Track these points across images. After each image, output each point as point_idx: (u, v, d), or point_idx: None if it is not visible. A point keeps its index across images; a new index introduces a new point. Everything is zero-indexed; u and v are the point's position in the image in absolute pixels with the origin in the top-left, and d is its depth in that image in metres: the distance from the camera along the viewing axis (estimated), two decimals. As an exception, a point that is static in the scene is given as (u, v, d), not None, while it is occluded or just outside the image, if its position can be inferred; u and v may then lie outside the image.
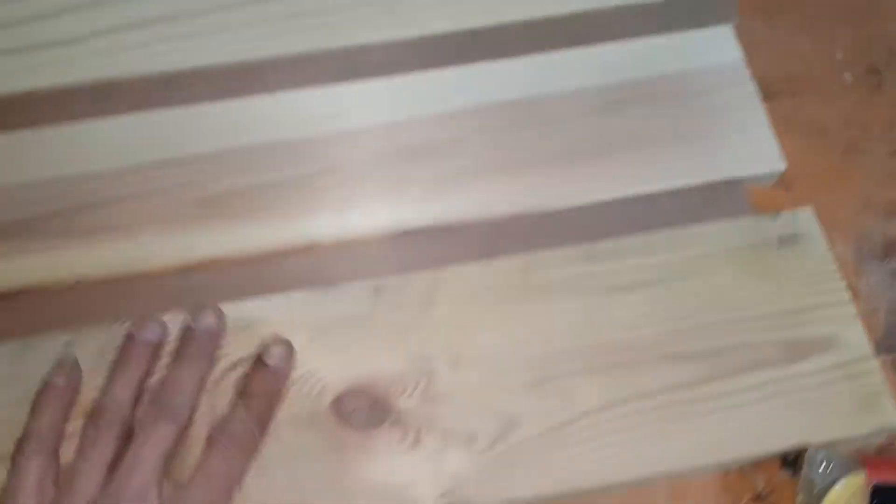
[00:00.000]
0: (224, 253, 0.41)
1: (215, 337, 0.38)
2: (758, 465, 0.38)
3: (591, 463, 0.36)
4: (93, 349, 0.38)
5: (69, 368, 0.37)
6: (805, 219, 0.42)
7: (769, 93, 0.47)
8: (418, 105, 0.45)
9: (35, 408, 0.36)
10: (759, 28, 0.49)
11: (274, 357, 0.37)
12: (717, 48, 0.47)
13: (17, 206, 0.42)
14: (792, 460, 0.37)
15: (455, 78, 0.46)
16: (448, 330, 0.39)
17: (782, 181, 0.44)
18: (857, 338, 0.39)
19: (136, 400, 0.36)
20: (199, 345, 0.37)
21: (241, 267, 0.41)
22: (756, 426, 0.37)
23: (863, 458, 0.36)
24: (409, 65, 0.46)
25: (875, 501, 0.35)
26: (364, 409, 0.37)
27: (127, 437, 0.34)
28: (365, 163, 0.43)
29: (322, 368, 0.38)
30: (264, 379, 0.37)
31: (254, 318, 0.39)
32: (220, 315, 0.38)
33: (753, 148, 0.44)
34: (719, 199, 0.43)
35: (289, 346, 0.38)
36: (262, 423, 0.36)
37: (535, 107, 0.45)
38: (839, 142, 0.46)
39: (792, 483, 0.37)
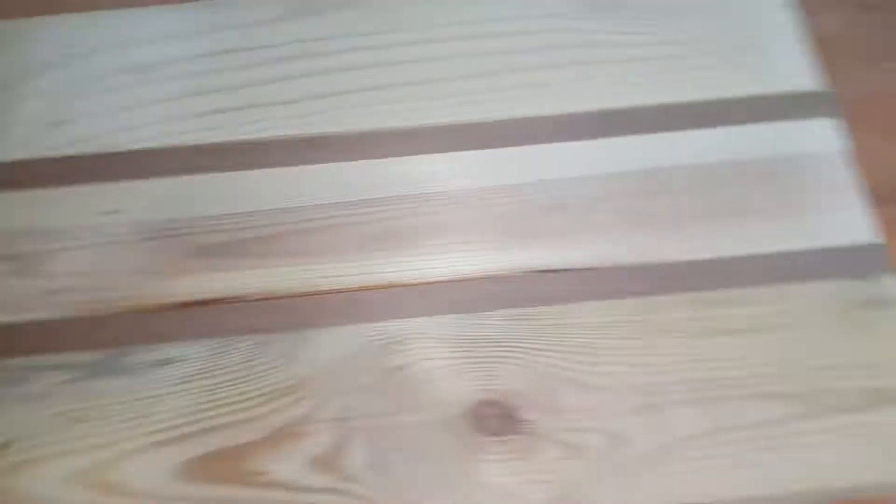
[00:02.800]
0: (388, 280, 0.50)
1: None
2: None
3: (688, 483, 0.42)
4: (276, 352, 0.47)
5: None
6: (893, 284, 0.47)
7: (889, 197, 0.52)
8: (553, 170, 0.53)
9: None
10: (878, 139, 0.55)
11: None
12: (820, 137, 0.53)
13: (225, 231, 0.52)
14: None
15: (591, 149, 0.53)
16: (579, 354, 0.46)
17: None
18: (937, 392, 0.43)
19: None
20: None
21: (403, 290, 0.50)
22: (837, 462, 0.42)
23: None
24: (547, 137, 0.54)
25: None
26: (494, 419, 0.44)
27: None
28: (508, 214, 0.51)
29: (459, 379, 0.46)
30: None
31: (404, 334, 0.47)
32: None
33: (850, 222, 0.50)
34: (823, 262, 0.48)
35: None
36: None
37: (658, 176, 0.52)
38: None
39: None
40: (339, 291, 0.49)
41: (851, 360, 0.45)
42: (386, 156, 0.54)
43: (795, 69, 0.55)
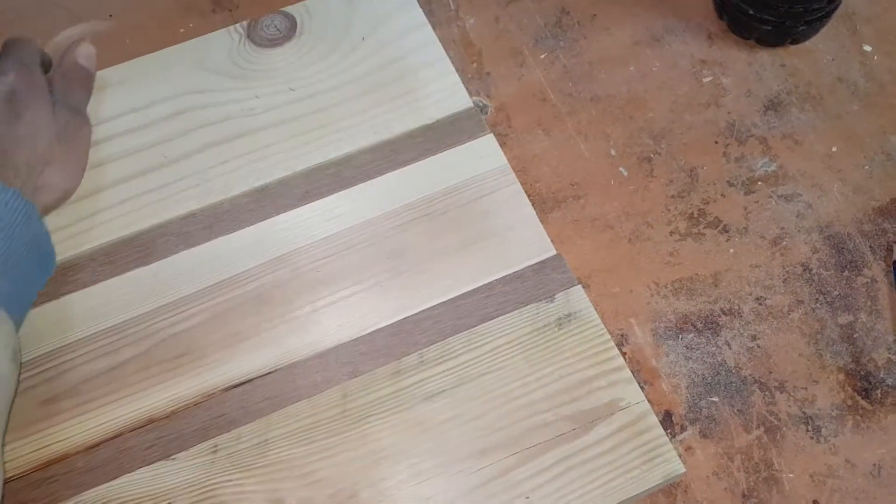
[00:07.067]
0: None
1: None
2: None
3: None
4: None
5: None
6: (577, 297, 0.46)
7: (557, 199, 0.51)
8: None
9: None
10: (539, 140, 0.53)
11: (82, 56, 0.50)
12: (483, 156, 0.51)
13: None
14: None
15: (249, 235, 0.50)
16: (285, 469, 0.43)
17: (581, 278, 0.48)
18: (635, 398, 0.43)
19: None
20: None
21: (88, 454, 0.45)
22: (562, 500, 0.42)
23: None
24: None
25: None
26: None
27: None
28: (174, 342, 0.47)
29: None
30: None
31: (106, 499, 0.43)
32: None
33: (526, 241, 0.49)
34: (508, 291, 0.47)
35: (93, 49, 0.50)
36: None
37: (332, 243, 0.49)
38: (624, 232, 0.50)
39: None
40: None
41: (552, 389, 0.44)
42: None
43: (446, 91, 0.53)
